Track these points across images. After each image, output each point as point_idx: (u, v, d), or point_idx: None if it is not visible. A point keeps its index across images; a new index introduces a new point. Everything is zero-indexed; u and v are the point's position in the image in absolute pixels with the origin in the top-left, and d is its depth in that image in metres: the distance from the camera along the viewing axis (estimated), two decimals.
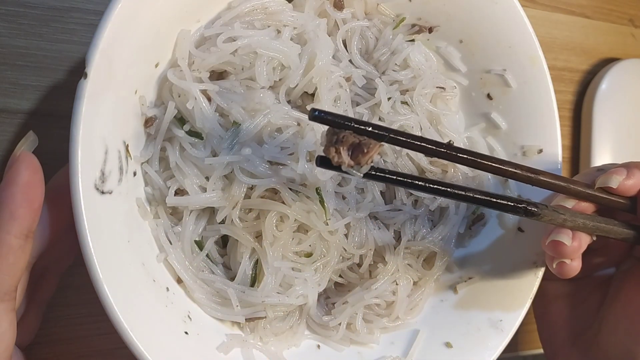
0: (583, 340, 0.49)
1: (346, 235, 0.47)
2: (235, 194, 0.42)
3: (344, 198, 0.46)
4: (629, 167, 0.45)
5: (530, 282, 0.48)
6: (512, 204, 0.39)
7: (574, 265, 0.43)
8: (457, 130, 0.53)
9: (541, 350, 0.65)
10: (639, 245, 0.47)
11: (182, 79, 0.41)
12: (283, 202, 0.43)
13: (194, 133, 0.42)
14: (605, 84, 0.68)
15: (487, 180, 0.53)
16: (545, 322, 0.52)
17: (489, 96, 0.53)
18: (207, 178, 0.42)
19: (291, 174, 0.42)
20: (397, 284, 0.48)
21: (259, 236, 0.43)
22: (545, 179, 0.41)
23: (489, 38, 0.51)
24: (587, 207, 0.44)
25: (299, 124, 0.44)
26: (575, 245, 0.42)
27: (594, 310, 0.49)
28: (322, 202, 0.44)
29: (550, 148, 0.51)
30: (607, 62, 0.72)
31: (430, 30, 0.52)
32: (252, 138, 0.42)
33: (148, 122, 0.41)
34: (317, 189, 0.44)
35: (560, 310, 0.51)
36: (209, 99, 0.42)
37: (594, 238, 0.44)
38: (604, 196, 0.44)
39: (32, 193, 0.33)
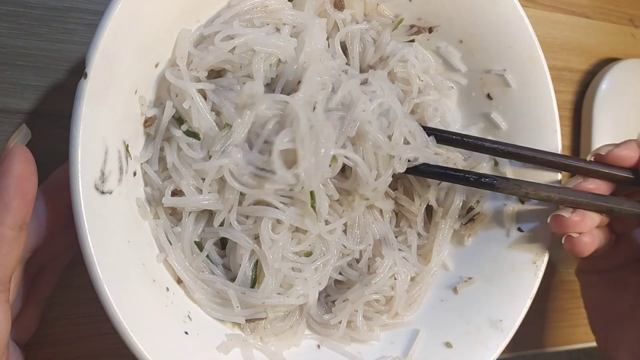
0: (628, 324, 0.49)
1: (345, 232, 0.47)
2: (229, 197, 0.42)
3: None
4: (625, 141, 0.46)
5: (530, 282, 0.48)
6: (466, 176, 0.46)
7: (584, 241, 0.45)
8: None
9: (541, 350, 0.65)
10: None
11: (179, 78, 0.41)
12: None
13: (191, 133, 0.42)
14: (605, 84, 0.68)
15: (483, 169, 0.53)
16: (592, 310, 0.53)
17: (489, 96, 0.53)
18: (204, 179, 0.42)
19: (276, 186, 0.41)
20: (395, 279, 0.48)
21: (258, 237, 0.43)
22: (539, 156, 0.47)
23: (489, 38, 0.51)
24: (596, 186, 0.46)
25: (282, 112, 0.41)
26: (576, 218, 0.44)
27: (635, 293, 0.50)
28: (313, 206, 0.43)
29: (550, 148, 0.51)
30: (607, 62, 0.71)
31: (430, 30, 0.52)
32: (243, 139, 0.41)
33: (147, 122, 0.41)
34: (311, 192, 0.42)
35: (602, 297, 0.52)
36: (205, 98, 0.42)
37: (604, 216, 0.46)
38: (601, 169, 0.46)
39: (25, 185, 0.33)
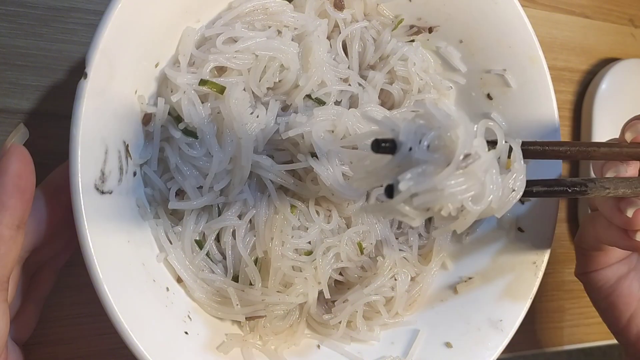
0: None
1: None
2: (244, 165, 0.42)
3: None
4: None
5: (530, 282, 0.48)
6: (564, 188, 0.37)
7: None
8: None
9: (541, 350, 0.65)
10: None
11: (177, 72, 0.41)
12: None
13: (189, 132, 0.42)
14: (605, 84, 0.68)
15: None
16: (618, 305, 0.49)
17: (489, 96, 0.53)
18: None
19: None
20: (395, 280, 0.48)
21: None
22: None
23: (489, 38, 0.51)
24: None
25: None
26: None
27: None
28: None
29: None
30: (607, 62, 0.72)
31: (430, 30, 0.52)
32: None
33: (145, 117, 0.41)
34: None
35: (629, 288, 0.49)
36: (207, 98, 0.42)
37: None
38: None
39: (23, 183, 0.33)
